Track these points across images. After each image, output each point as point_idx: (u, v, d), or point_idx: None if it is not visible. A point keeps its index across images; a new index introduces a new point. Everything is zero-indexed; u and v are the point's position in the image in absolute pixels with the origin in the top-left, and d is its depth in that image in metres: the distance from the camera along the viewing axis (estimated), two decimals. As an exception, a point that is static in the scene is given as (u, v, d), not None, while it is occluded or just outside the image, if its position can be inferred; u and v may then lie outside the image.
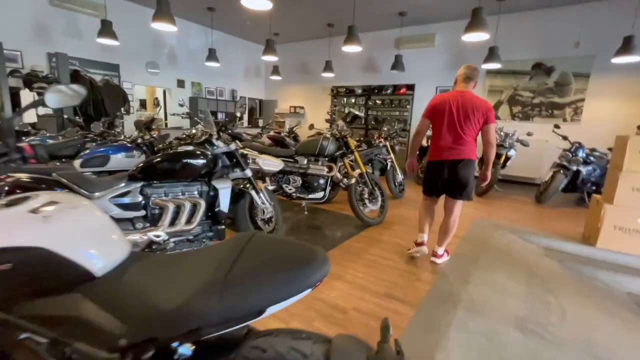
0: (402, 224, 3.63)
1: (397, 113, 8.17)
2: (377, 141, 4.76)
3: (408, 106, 7.92)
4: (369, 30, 7.92)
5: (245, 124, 9.82)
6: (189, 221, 2.15)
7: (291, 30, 8.46)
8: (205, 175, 2.30)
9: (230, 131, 5.08)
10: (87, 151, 2.41)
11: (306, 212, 3.83)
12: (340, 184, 3.53)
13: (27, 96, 4.95)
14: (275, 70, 8.67)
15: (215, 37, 8.59)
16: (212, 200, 2.31)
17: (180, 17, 7.69)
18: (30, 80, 5.39)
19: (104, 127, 3.26)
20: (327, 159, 3.45)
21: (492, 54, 5.60)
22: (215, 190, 2.29)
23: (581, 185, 4.72)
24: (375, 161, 4.65)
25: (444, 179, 2.46)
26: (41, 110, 4.97)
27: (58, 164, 2.57)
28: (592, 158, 4.78)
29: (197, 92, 8.59)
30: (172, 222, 2.10)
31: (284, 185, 3.29)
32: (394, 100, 8.13)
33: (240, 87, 9.78)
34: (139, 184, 2.04)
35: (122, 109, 6.54)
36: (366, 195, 3.43)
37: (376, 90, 8.30)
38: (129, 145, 2.61)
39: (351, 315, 1.93)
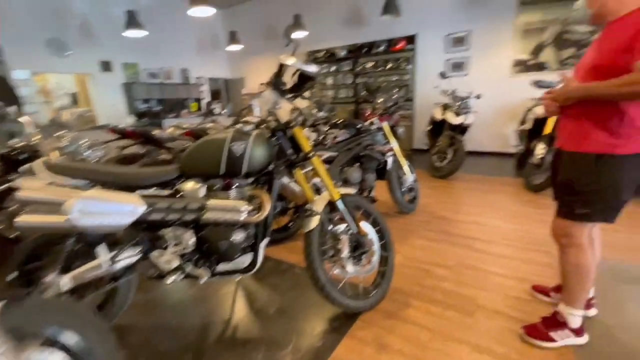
0: (426, 295, 1.81)
1: (396, 78, 6.15)
2: (366, 122, 2.86)
3: (408, 66, 5.87)
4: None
5: (205, 110, 7.85)
6: None
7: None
8: None
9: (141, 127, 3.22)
10: None
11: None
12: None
13: None
14: (233, 37, 6.61)
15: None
16: None
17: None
18: None
19: None
20: (250, 179, 1.56)
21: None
22: None
23: None
24: (366, 157, 2.76)
25: None
26: None
27: None
28: None
29: (132, 76, 6.59)
30: None
31: (151, 256, 1.41)
32: (390, 61, 6.07)
33: (194, 65, 7.73)
34: None
35: (7, 109, 4.64)
36: (345, 252, 1.58)
37: (365, 50, 6.23)
38: None
39: None
